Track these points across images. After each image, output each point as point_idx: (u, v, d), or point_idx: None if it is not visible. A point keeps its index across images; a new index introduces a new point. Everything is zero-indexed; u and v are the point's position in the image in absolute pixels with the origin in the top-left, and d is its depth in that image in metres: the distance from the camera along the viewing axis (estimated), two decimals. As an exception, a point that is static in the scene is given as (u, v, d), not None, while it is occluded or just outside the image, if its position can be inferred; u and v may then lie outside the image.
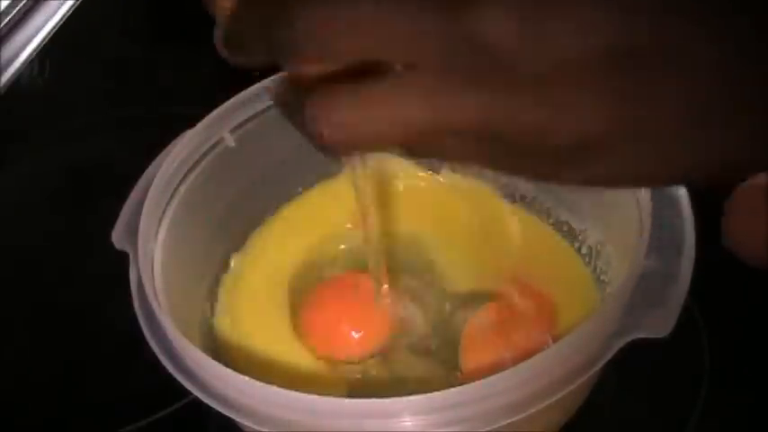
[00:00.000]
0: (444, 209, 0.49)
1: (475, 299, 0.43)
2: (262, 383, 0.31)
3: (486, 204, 0.49)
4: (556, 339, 0.39)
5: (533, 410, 0.30)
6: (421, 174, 0.50)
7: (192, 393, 0.32)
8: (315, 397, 0.30)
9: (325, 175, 0.50)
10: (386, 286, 0.41)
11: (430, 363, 0.41)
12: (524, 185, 0.48)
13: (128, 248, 0.38)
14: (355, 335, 0.42)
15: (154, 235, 0.39)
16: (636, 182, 0.23)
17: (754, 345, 0.45)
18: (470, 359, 0.40)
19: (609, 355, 0.32)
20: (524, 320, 0.41)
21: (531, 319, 0.41)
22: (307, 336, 0.42)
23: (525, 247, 0.46)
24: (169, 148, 0.42)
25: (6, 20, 0.64)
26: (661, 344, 0.32)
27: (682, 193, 0.37)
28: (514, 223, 0.48)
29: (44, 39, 0.65)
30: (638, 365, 0.38)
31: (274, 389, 0.30)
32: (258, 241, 0.48)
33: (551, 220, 0.47)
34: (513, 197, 0.48)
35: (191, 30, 0.70)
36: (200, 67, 0.66)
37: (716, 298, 0.44)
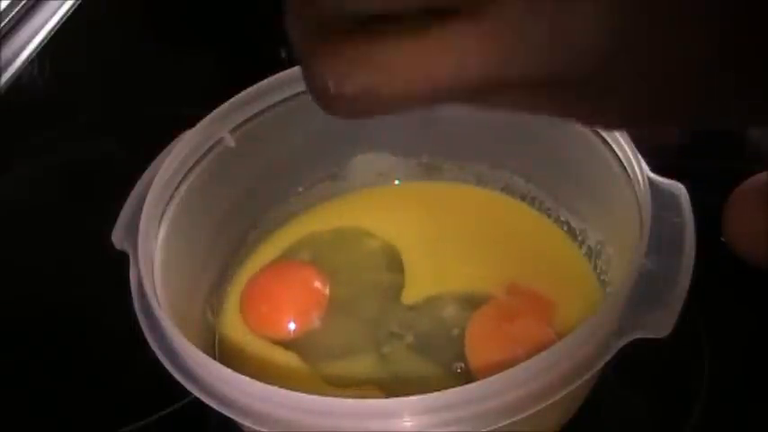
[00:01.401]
0: (444, 209, 0.49)
1: (475, 299, 0.43)
2: (262, 383, 0.31)
3: (486, 204, 0.49)
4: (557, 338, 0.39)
5: (533, 410, 0.30)
6: (421, 173, 0.50)
7: (192, 393, 0.32)
8: (315, 397, 0.30)
9: (326, 175, 0.50)
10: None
11: (430, 363, 0.41)
12: (524, 185, 0.48)
13: (128, 248, 0.38)
14: (273, 314, 0.44)
15: (154, 235, 0.39)
16: (650, 117, 0.22)
17: (753, 345, 0.45)
18: (477, 354, 0.40)
19: (609, 356, 0.32)
20: (527, 316, 0.41)
21: (533, 314, 0.41)
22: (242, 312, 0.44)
23: (526, 246, 0.46)
24: (169, 147, 0.42)
25: (6, 20, 0.64)
26: (661, 344, 0.32)
27: (682, 193, 0.37)
28: (515, 223, 0.48)
29: (44, 39, 0.64)
30: (638, 365, 0.38)
31: (274, 389, 0.30)
32: (258, 241, 0.48)
33: (551, 220, 0.47)
34: (513, 197, 0.48)
35: (191, 30, 0.71)
36: (200, 67, 0.66)
37: (716, 298, 0.44)
